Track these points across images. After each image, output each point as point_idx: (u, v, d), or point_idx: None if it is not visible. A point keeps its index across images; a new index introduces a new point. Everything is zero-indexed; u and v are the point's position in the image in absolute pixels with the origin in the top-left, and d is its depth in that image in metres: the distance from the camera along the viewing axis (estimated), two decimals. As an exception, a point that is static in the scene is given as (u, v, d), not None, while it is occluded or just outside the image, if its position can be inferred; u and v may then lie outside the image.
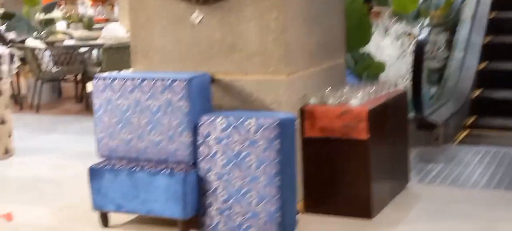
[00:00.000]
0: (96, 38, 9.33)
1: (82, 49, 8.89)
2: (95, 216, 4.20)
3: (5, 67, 6.27)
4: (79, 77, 9.12)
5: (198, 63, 4.28)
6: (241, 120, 3.84)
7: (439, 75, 7.02)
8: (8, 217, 4.45)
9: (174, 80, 3.95)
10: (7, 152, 6.24)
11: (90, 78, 8.52)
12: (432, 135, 5.96)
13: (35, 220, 4.43)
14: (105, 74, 4.29)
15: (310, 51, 4.39)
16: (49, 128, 7.65)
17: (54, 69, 8.63)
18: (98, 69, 8.35)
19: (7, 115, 6.26)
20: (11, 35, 9.89)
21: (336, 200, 4.23)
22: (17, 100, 9.06)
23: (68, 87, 9.93)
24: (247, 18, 4.11)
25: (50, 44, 9.25)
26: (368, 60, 5.56)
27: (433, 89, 6.90)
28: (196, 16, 4.24)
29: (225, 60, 4.21)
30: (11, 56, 6.37)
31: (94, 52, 8.84)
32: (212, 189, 3.92)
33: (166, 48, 4.35)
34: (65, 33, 10.43)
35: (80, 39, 9.47)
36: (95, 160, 4.21)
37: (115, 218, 4.21)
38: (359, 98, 4.21)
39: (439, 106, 6.48)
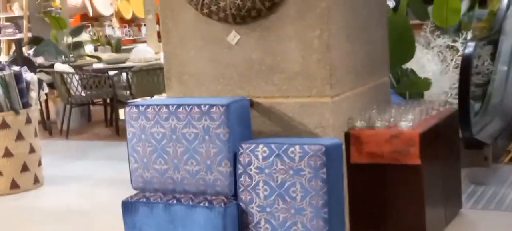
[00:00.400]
0: (124, 61, 9.18)
1: (111, 72, 8.73)
2: (130, 252, 3.95)
3: (34, 94, 6.11)
4: (108, 101, 8.95)
5: (236, 87, 4.03)
6: (284, 147, 3.57)
7: (483, 90, 6.68)
8: (39, 253, 4.23)
9: (211, 106, 3.70)
10: (37, 181, 6.06)
11: (120, 101, 8.36)
12: (481, 154, 5.62)
13: (66, 256, 4.20)
14: (138, 101, 4.06)
15: (355, 70, 4.11)
16: (79, 154, 7.47)
17: (83, 94, 8.47)
18: (128, 92, 8.17)
19: (36, 143, 6.09)
20: (39, 60, 9.79)
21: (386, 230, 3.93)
22: (46, 126, 8.93)
23: (98, 111, 9.78)
24: (287, 37, 3.85)
25: (79, 68, 9.12)
26: (412, 77, 5.26)
27: (477, 105, 6.56)
28: (234, 36, 3.99)
29: (265, 82, 3.96)
30: (40, 83, 6.21)
31: (123, 75, 8.67)
32: (255, 222, 3.65)
33: (201, 71, 4.11)
34: (93, 56, 10.32)
35: (109, 61, 9.33)
36: (127, 187, 3.97)
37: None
38: (409, 120, 3.92)
39: (485, 124, 6.14)
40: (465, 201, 4.65)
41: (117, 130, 8.41)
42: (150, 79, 7.93)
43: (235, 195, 3.70)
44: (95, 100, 9.10)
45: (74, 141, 8.25)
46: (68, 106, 8.52)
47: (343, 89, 3.95)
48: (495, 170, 5.52)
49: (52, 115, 9.48)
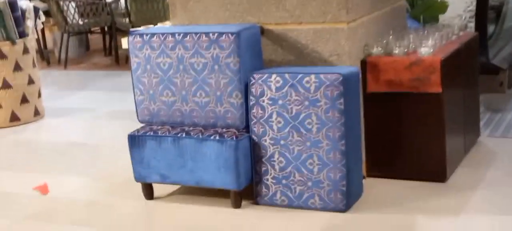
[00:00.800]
0: (122, -14, 8.85)
1: (109, -1, 8.42)
2: (136, 187, 3.81)
3: (30, 22, 5.85)
4: (106, 29, 8.67)
5: (245, 13, 3.79)
6: (299, 77, 3.37)
7: (497, 13, 6.42)
8: (44, 189, 4.07)
9: (220, 34, 3.48)
10: (37, 113, 5.88)
11: (119, 29, 8.09)
12: (496, 80, 5.43)
13: (70, 192, 4.05)
14: (142, 29, 3.83)
15: (371, -6, 3.87)
16: (79, 84, 7.27)
17: (81, 22, 8.20)
18: (127, 20, 7.89)
19: (35, 74, 5.88)
20: (33, -13, 9.44)
21: (404, 162, 3.77)
22: (44, 56, 8.69)
23: (96, 40, 9.52)
24: (301, -41, 3.60)
25: (75, -5, 8.79)
26: (427, 0, 5.00)
27: (491, 29, 6.31)
28: (242, -41, 3.73)
29: (276, 8, 3.71)
30: (36, 11, 5.94)
31: (122, 1, 8.37)
32: (268, 156, 3.49)
33: (208, -3, 3.87)
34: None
35: (106, -13, 8.98)
36: (130, 119, 3.79)
37: (160, 188, 3.82)
38: (429, 46, 3.70)
39: (500, 48, 5.91)
40: (482, 128, 4.49)
41: (116, 59, 8.18)
42: (150, 5, 7.63)
43: (247, 128, 3.53)
44: (93, 29, 8.83)
45: (73, 71, 8.03)
46: (65, 35, 8.26)
47: (359, 14, 3.72)
48: (511, 96, 5.34)
49: (49, 44, 9.22)
